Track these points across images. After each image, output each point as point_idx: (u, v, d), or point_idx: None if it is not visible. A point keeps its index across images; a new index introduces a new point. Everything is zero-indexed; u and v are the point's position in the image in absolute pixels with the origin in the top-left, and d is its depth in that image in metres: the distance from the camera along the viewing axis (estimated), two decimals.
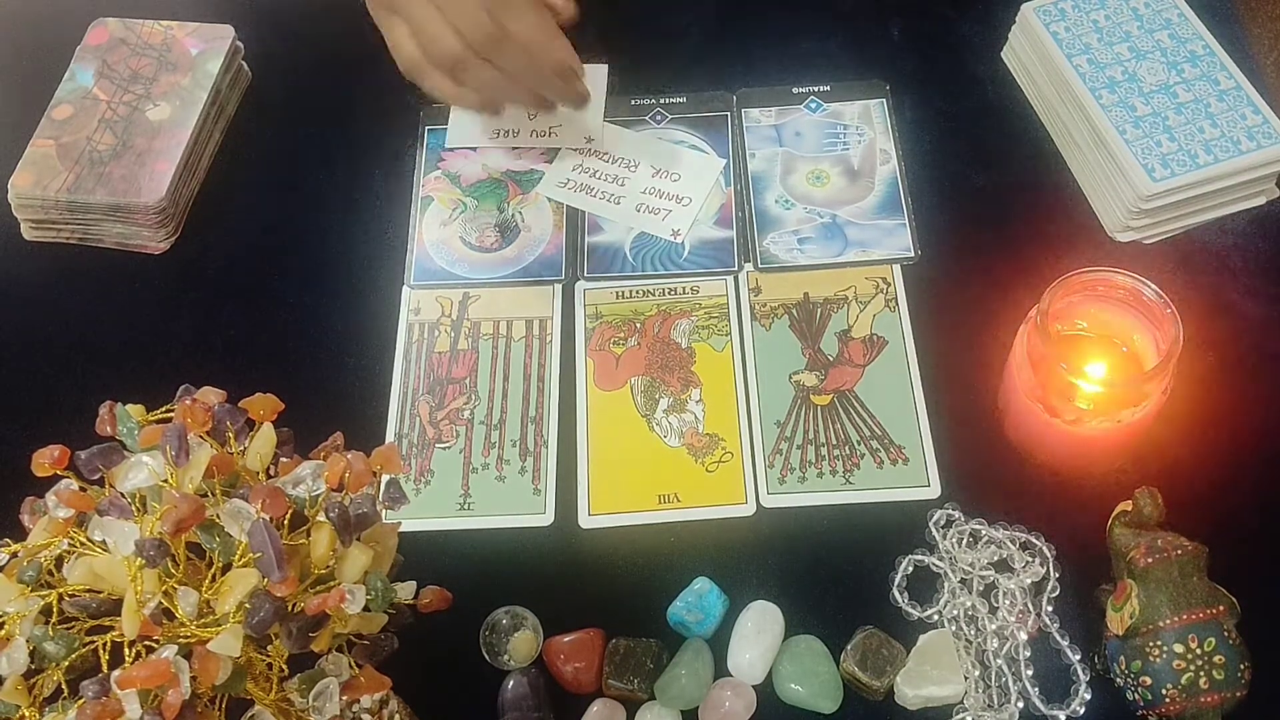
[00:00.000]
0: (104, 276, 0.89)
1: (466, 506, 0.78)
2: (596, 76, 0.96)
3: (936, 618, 0.72)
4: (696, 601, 0.72)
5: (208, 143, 0.94)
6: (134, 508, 0.55)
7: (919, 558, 0.74)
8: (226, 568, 0.54)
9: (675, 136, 0.94)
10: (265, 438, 0.59)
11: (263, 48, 1.00)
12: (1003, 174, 0.92)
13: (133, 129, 0.91)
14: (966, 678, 0.69)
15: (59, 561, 0.56)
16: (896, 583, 0.73)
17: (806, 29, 1.01)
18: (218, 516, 0.55)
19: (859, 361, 0.83)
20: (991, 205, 0.90)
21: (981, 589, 0.73)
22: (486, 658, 0.72)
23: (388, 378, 0.84)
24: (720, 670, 0.72)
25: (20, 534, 0.57)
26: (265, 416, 0.59)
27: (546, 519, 0.78)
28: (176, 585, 0.54)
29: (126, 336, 0.86)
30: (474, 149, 0.94)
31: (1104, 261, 0.81)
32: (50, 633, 0.53)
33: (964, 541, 0.74)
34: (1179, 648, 0.64)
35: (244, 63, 0.98)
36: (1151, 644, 0.65)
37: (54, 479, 0.57)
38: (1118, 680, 0.67)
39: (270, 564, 0.52)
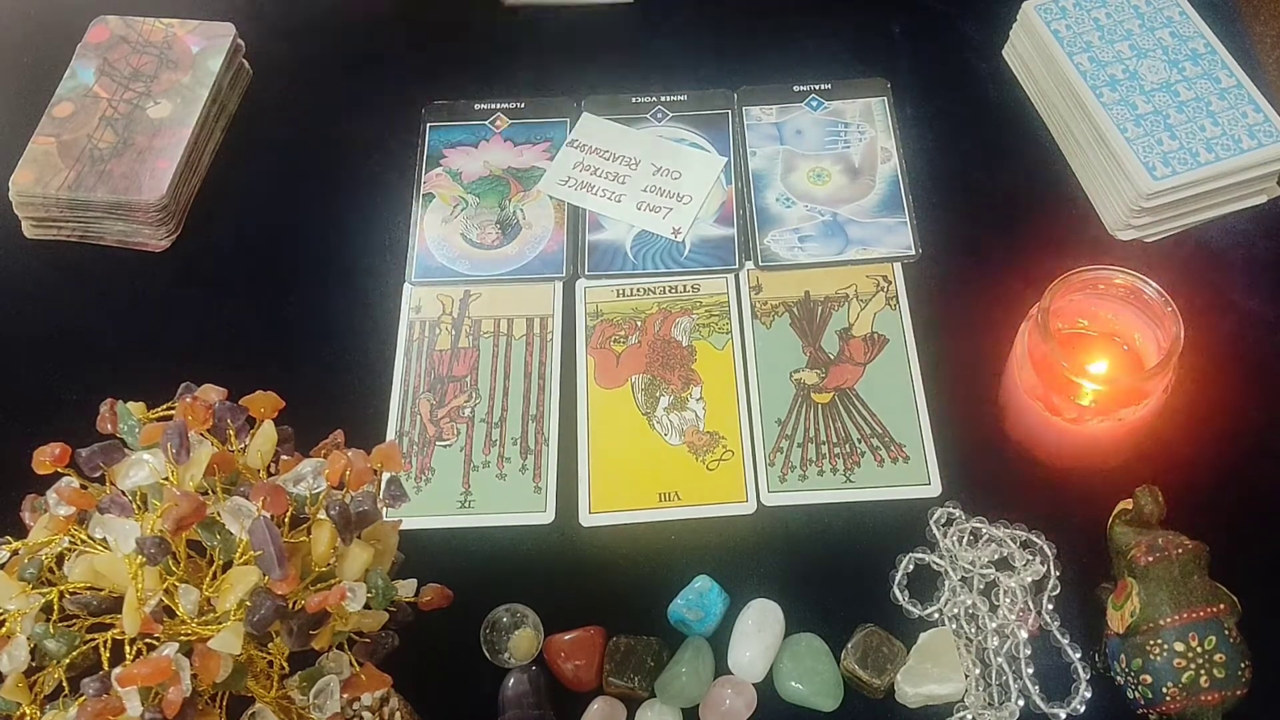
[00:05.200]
0: (105, 274, 0.89)
1: (467, 504, 0.78)
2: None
3: (937, 616, 0.72)
4: (697, 599, 0.72)
5: (209, 140, 0.94)
6: (135, 505, 0.55)
7: (920, 556, 0.74)
8: (227, 565, 0.54)
9: (676, 134, 0.94)
10: (266, 435, 0.59)
11: (264, 45, 1.00)
12: (1004, 172, 0.92)
13: (134, 127, 0.91)
14: (967, 676, 0.69)
15: (60, 559, 0.56)
16: (897, 581, 0.73)
17: (808, 27, 1.01)
18: (218, 514, 0.55)
19: (860, 359, 0.83)
20: (992, 203, 0.90)
21: (982, 587, 0.73)
22: (487, 655, 0.72)
23: (388, 375, 0.84)
24: (721, 668, 0.72)
25: (21, 531, 0.57)
26: (266, 414, 0.59)
27: (547, 517, 0.78)
28: (177, 583, 0.54)
29: (127, 334, 0.86)
30: (475, 145, 0.93)
31: (1105, 260, 0.81)
32: (51, 630, 0.53)
33: (964, 540, 0.74)
34: (1179, 646, 0.64)
35: (245, 60, 0.98)
36: (1152, 642, 0.65)
37: (55, 476, 0.57)
38: (1118, 678, 0.67)
39: (271, 562, 0.52)
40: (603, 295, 0.87)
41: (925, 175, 0.91)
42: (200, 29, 0.96)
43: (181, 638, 0.53)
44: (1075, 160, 0.91)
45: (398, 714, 0.65)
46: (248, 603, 0.53)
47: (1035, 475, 0.77)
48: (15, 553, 0.56)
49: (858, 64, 0.98)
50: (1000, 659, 0.70)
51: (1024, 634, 0.70)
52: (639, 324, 0.85)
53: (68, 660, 0.54)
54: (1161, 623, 0.65)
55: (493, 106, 0.97)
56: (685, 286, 0.87)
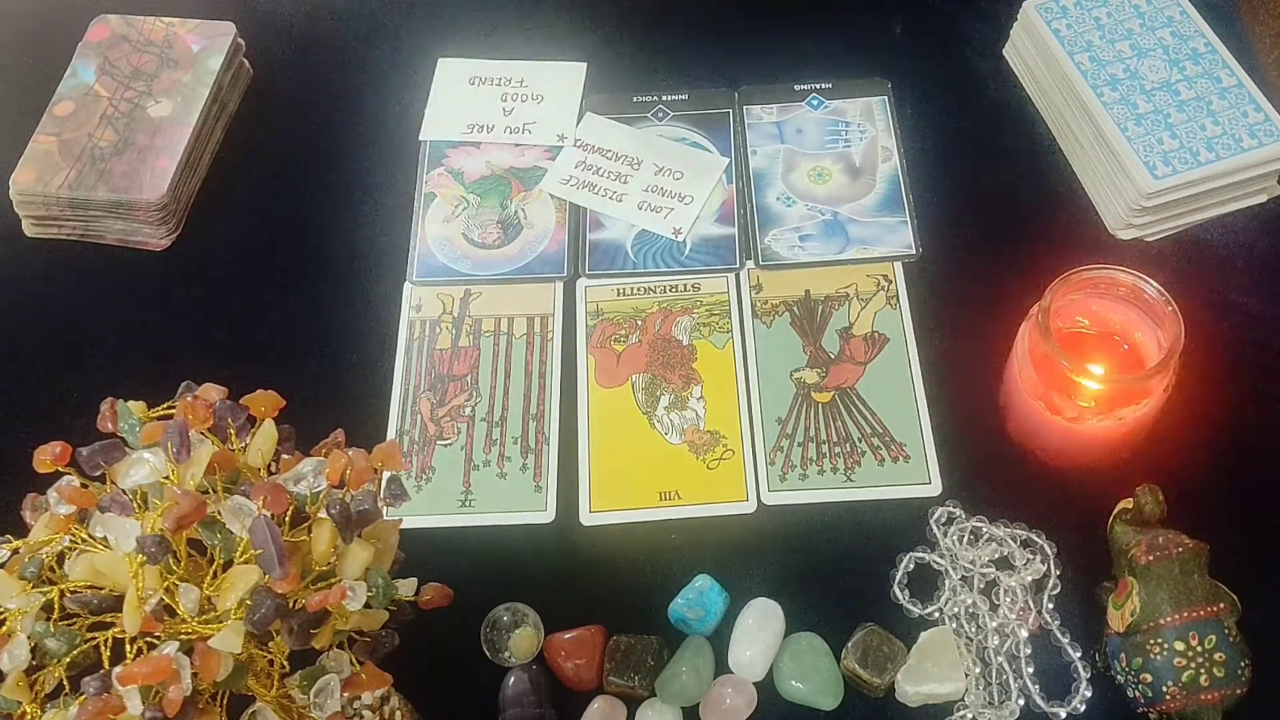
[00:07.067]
0: (105, 273, 0.89)
1: (468, 503, 0.78)
2: (573, 74, 0.96)
3: (937, 615, 0.72)
4: (697, 598, 0.72)
5: (209, 139, 0.94)
6: (135, 504, 0.55)
7: (920, 555, 0.74)
8: (228, 564, 0.54)
9: (677, 134, 0.94)
10: (266, 434, 0.59)
11: (264, 44, 1.00)
12: (1004, 171, 0.92)
13: (134, 125, 0.91)
14: (967, 675, 0.69)
15: (60, 558, 0.56)
16: (897, 580, 0.73)
17: (808, 26, 1.01)
18: (219, 513, 0.55)
19: (860, 359, 0.83)
20: (993, 203, 0.90)
21: (982, 586, 0.73)
22: (487, 654, 0.72)
23: (389, 374, 0.84)
24: (721, 667, 0.72)
25: (22, 530, 0.57)
26: (266, 413, 0.59)
27: (548, 516, 0.78)
28: (178, 582, 0.54)
29: (128, 333, 0.86)
30: (477, 145, 0.94)
31: (1105, 259, 0.81)
32: (52, 629, 0.53)
33: (965, 539, 0.74)
34: (1180, 645, 0.64)
35: (245, 59, 0.98)
36: (1152, 641, 0.65)
37: (55, 475, 0.57)
38: (1118, 677, 0.67)
39: (271, 560, 0.52)
40: (603, 294, 0.87)
41: (925, 175, 0.91)
42: (201, 28, 0.96)
43: (182, 636, 0.53)
44: (1076, 159, 0.91)
45: (398, 713, 0.65)
46: (248, 601, 0.53)
47: (1035, 474, 0.77)
48: (16, 551, 0.55)
49: (858, 64, 0.98)
50: (1000, 658, 0.70)
51: (1024, 633, 0.70)
52: (639, 323, 0.85)
53: (68, 659, 0.54)
54: (1162, 622, 0.65)
55: None
56: (686, 286, 0.87)
